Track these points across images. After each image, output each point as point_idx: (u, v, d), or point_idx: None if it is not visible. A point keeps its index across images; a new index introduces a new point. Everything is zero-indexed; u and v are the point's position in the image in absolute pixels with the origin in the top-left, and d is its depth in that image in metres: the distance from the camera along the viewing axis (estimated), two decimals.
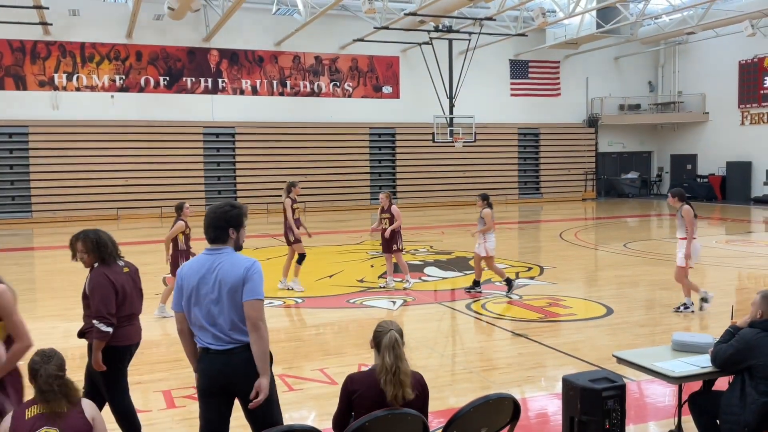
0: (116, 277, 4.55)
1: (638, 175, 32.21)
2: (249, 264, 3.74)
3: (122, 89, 24.21)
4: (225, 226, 3.81)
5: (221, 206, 3.89)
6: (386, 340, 3.52)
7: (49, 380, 3.39)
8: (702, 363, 4.38)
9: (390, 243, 10.69)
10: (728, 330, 4.40)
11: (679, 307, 9.00)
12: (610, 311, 8.95)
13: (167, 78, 24.72)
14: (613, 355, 4.76)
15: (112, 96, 24.09)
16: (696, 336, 4.86)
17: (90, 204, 23.53)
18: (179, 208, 9.12)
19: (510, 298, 9.82)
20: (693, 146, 30.87)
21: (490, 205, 10.09)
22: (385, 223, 10.73)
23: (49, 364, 3.46)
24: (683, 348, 4.69)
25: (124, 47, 24.11)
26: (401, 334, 3.60)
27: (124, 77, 24.20)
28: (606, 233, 19.21)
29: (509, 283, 10.08)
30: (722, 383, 4.50)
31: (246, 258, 3.80)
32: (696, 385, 4.63)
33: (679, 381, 4.37)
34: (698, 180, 29.81)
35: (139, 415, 5.53)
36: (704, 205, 26.06)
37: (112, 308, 4.45)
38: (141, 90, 24.44)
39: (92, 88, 23.87)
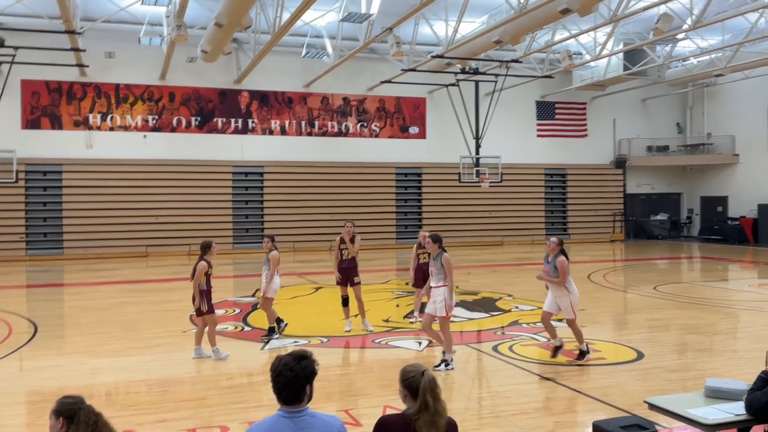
0: None
1: (667, 217, 31.82)
2: (339, 424, 3.44)
3: (155, 129, 24.75)
4: (304, 384, 3.32)
5: (296, 362, 3.33)
6: (425, 381, 3.52)
7: (90, 416, 3.30)
8: (736, 410, 4.26)
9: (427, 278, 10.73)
10: (761, 376, 4.29)
11: (439, 365, 8.13)
12: (640, 355, 8.77)
13: (199, 118, 25.23)
14: (645, 401, 4.66)
15: (145, 136, 24.62)
16: (730, 382, 4.73)
17: (120, 241, 23.88)
18: (206, 247, 8.91)
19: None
20: (723, 188, 30.50)
21: (564, 253, 8.72)
22: (424, 258, 10.86)
23: (85, 404, 3.41)
24: (717, 394, 4.58)
25: (157, 88, 24.72)
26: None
27: (157, 117, 24.75)
28: (635, 275, 18.94)
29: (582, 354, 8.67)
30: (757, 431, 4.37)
31: (329, 417, 3.47)
32: None
33: (713, 429, 4.24)
34: (729, 222, 29.35)
35: None
36: (735, 248, 25.62)
37: None
38: (173, 130, 24.96)
39: (125, 128, 24.44)
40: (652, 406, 4.57)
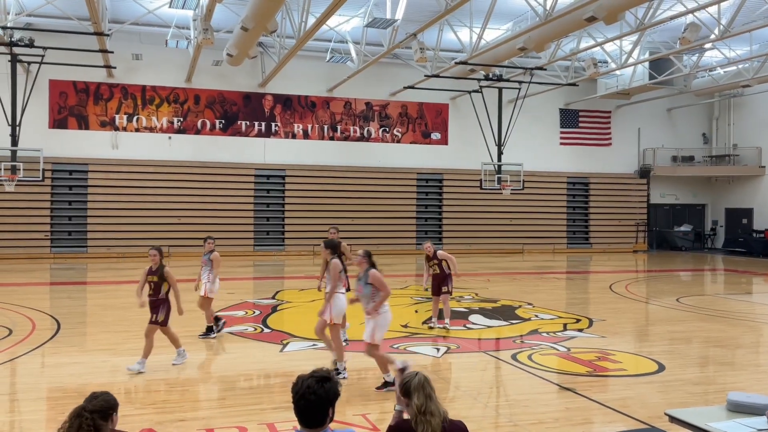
0: None
1: (691, 228, 31.44)
2: None
3: (179, 131, 25.00)
4: (327, 407, 3.23)
5: (319, 384, 3.23)
6: (416, 381, 3.57)
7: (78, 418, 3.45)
8: (759, 425, 4.20)
9: (441, 286, 11.17)
10: None
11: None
12: (662, 368, 8.67)
13: (223, 121, 25.44)
14: (666, 414, 4.60)
15: (170, 137, 24.88)
16: (753, 396, 4.66)
17: (143, 241, 24.04)
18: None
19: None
20: (749, 200, 30.09)
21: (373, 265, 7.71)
22: (435, 269, 11.17)
23: (96, 400, 3.57)
24: (739, 408, 4.51)
25: (183, 91, 24.98)
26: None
27: (182, 119, 25.01)
28: (658, 287, 18.73)
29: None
30: None
31: None
32: None
33: None
34: (754, 235, 28.93)
35: None
36: (760, 261, 25.25)
37: None
38: (197, 132, 25.19)
39: (151, 129, 24.72)
40: (673, 419, 4.51)
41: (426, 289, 12.83)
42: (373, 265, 7.60)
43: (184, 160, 24.83)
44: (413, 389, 3.55)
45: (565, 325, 11.68)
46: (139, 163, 24.34)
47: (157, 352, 9.30)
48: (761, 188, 29.43)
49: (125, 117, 24.47)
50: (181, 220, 24.60)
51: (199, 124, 25.22)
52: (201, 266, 10.56)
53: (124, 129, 24.48)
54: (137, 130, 24.61)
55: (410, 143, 27.64)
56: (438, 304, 11.32)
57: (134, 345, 9.75)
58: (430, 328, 11.18)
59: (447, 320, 11.19)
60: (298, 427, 3.29)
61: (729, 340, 10.74)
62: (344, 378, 7.90)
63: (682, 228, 31.44)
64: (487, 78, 23.75)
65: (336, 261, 8.24)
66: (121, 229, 24.07)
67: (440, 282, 11.16)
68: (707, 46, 22.13)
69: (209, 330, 10.30)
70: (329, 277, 8.24)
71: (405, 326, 11.39)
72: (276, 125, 26.05)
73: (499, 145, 24.63)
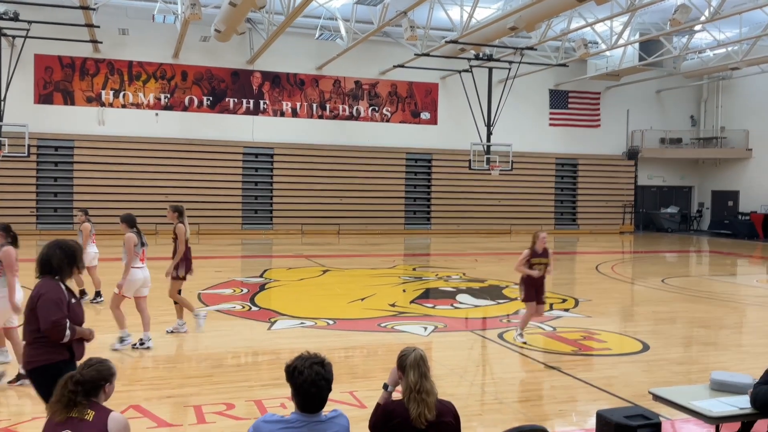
0: None
1: (678, 210, 31.66)
2: (346, 423, 3.37)
3: (166, 107, 24.77)
4: (329, 387, 3.29)
5: (326, 369, 3.27)
6: (411, 359, 3.57)
7: (75, 385, 3.30)
8: (741, 404, 4.26)
9: (542, 291, 8.99)
10: None
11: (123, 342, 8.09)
12: (646, 347, 8.76)
13: (211, 98, 25.22)
14: (649, 392, 4.66)
15: (157, 114, 24.65)
16: (735, 376, 4.73)
17: None
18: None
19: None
20: (735, 183, 30.29)
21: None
22: (541, 269, 8.86)
23: (87, 369, 3.40)
24: (722, 387, 4.57)
25: (170, 67, 24.71)
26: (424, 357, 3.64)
27: (169, 96, 24.76)
28: (644, 268, 18.89)
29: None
30: (761, 426, 4.37)
31: (336, 416, 3.36)
32: (734, 426, 4.50)
33: (717, 421, 4.25)
34: (740, 217, 29.17)
35: (171, 429, 5.58)
36: (745, 243, 25.50)
37: None
38: (185, 109, 24.97)
39: (138, 106, 24.47)
40: (657, 397, 4.57)
41: (414, 269, 12.81)
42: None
43: (171, 137, 24.62)
44: (408, 366, 3.55)
45: (551, 304, 11.75)
46: (125, 139, 24.12)
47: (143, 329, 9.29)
48: (747, 171, 29.63)
49: (111, 93, 24.20)
50: (168, 197, 24.43)
51: (186, 100, 24.99)
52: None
53: (111, 105, 24.22)
54: (124, 106, 24.35)
55: (399, 123, 27.55)
56: (534, 313, 8.96)
57: None
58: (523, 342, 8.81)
59: (521, 330, 8.96)
60: (287, 405, 3.31)
61: (713, 321, 10.87)
62: (127, 345, 8.11)
63: (669, 210, 31.66)
64: (477, 57, 23.65)
65: (131, 235, 8.32)
66: (107, 206, 23.87)
67: (541, 286, 8.94)
68: (697, 27, 22.13)
69: (97, 294, 11.12)
70: (125, 250, 8.36)
71: (393, 305, 11.43)
72: (264, 103, 25.87)
73: (489, 126, 24.60)
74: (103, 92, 24.10)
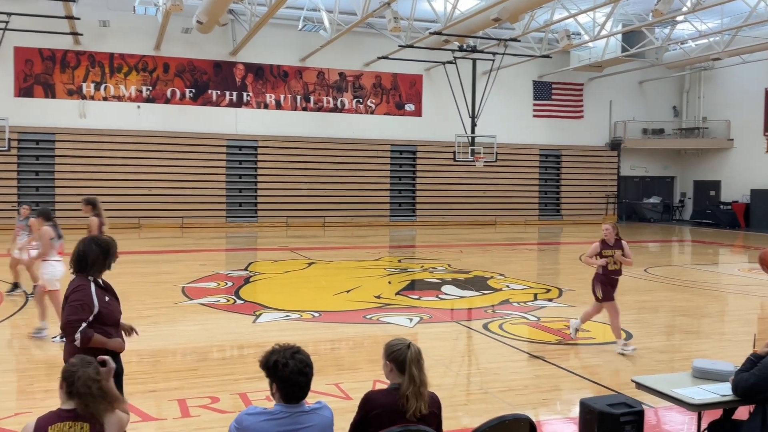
0: None
1: (660, 200, 31.91)
2: (330, 414, 3.36)
3: (149, 100, 24.55)
4: (313, 372, 3.32)
5: (309, 358, 3.30)
6: (411, 354, 3.55)
7: (88, 383, 3.13)
8: (722, 391, 4.30)
9: (614, 287, 8.28)
10: (749, 358, 4.32)
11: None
12: (629, 336, 8.83)
13: (193, 90, 25.03)
14: (632, 380, 4.70)
15: (139, 106, 24.43)
16: (717, 363, 4.78)
17: (112, 212, 23.69)
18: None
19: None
20: (717, 173, 30.57)
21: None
22: (613, 264, 8.27)
23: (88, 368, 3.23)
24: (704, 375, 4.62)
25: (152, 59, 24.48)
26: None
27: (150, 88, 24.54)
28: None
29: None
30: (742, 412, 4.42)
31: (321, 407, 3.36)
32: (716, 414, 4.55)
33: (699, 408, 4.29)
34: (722, 207, 29.46)
35: (154, 424, 5.56)
36: (727, 233, 25.76)
37: None
38: (167, 101, 24.76)
39: (119, 98, 24.24)
40: (639, 385, 4.60)
41: (399, 261, 12.69)
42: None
43: (154, 130, 24.43)
44: (409, 362, 3.54)
45: (535, 295, 11.83)
46: (107, 132, 23.90)
47: (130, 323, 9.24)
48: (729, 161, 29.91)
49: (93, 85, 23.94)
50: (150, 191, 24.29)
51: (168, 93, 24.78)
52: (18, 231, 11.21)
53: (92, 98, 23.96)
54: (105, 98, 24.11)
55: (384, 114, 27.50)
56: (597, 312, 8.40)
57: None
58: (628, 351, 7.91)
59: (622, 341, 8.02)
60: (273, 399, 3.29)
61: (695, 310, 10.98)
62: (43, 336, 8.13)
63: (651, 200, 31.90)
64: (461, 49, 23.65)
65: (47, 228, 8.32)
66: None
67: (615, 283, 8.30)
68: (679, 18, 22.25)
69: (15, 286, 11.05)
70: (39, 243, 8.45)
71: (378, 297, 11.44)
72: (248, 95, 25.71)
73: (473, 117, 24.64)
74: (84, 85, 23.84)
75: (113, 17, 23.48)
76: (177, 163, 24.61)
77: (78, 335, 4.22)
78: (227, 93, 25.44)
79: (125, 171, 23.98)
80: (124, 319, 8.81)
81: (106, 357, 3.60)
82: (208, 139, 25.06)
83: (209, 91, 25.23)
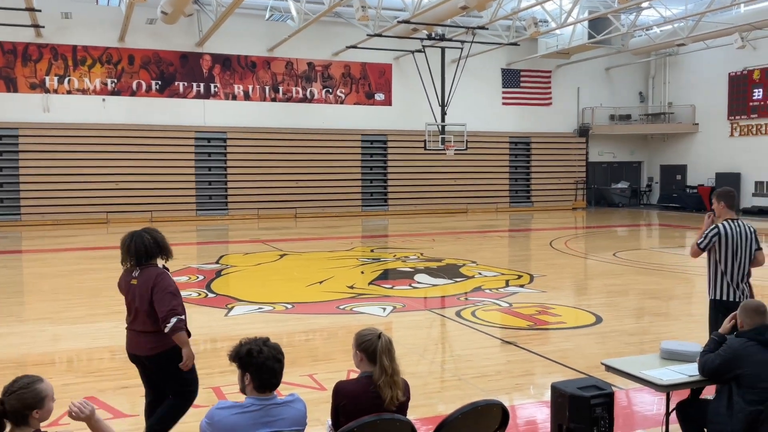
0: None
1: (628, 185, 32.37)
2: (303, 407, 3.36)
3: (114, 93, 24.14)
4: (284, 360, 3.35)
5: (268, 342, 3.34)
6: (382, 344, 3.57)
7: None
8: (690, 371, 4.39)
9: None
10: (713, 338, 4.42)
11: None
12: (599, 320, 8.97)
13: (159, 82, 24.67)
14: (602, 363, 4.78)
15: (104, 99, 24.01)
16: (684, 344, 4.87)
17: (79, 207, 23.43)
18: None
19: None
20: (683, 157, 31.07)
21: None
22: None
23: (9, 396, 3.00)
24: (671, 356, 4.71)
25: (116, 51, 24.06)
26: None
27: (115, 81, 24.13)
28: (596, 242, 19.29)
29: None
30: (710, 391, 4.52)
31: (293, 400, 3.35)
32: (684, 394, 4.65)
33: (667, 389, 4.37)
34: (687, 190, 29.98)
35: (127, 420, 5.51)
36: (693, 216, 26.23)
37: None
38: (133, 94, 24.38)
39: (84, 92, 23.80)
40: (609, 368, 4.68)
41: (372, 251, 12.60)
42: None
43: (120, 123, 24.04)
44: (380, 351, 3.55)
45: (507, 281, 11.94)
46: (72, 126, 23.46)
47: (100, 320, 9.14)
48: (694, 145, 30.41)
49: (56, 79, 23.46)
50: (118, 185, 23.95)
51: (134, 85, 24.39)
52: None
53: (55, 91, 23.48)
54: (69, 92, 23.65)
55: (354, 104, 27.41)
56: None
57: (73, 313, 9.56)
58: None
59: None
60: (244, 393, 3.27)
61: (663, 292, 11.19)
62: None
63: (620, 185, 32.33)
64: (429, 38, 23.62)
65: None
66: (55, 195, 23.28)
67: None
68: (644, 5, 22.49)
69: None
70: None
71: (351, 287, 11.45)
72: (215, 86, 25.42)
73: (443, 106, 24.67)
74: (47, 78, 23.35)
75: (75, 9, 23.01)
76: (144, 156, 24.27)
77: (174, 320, 4.36)
78: (194, 84, 25.12)
79: (91, 165, 23.59)
80: (95, 317, 8.73)
81: None
82: (176, 131, 24.75)
83: (176, 83, 24.89)
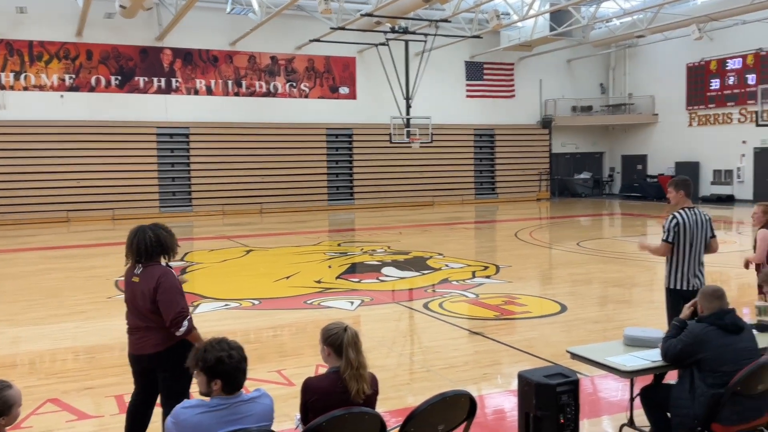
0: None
1: (590, 176, 32.84)
2: (270, 403, 3.33)
3: (72, 89, 23.63)
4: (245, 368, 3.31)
5: (231, 343, 3.29)
6: (348, 337, 3.56)
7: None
8: (652, 357, 4.47)
9: None
10: (674, 324, 4.51)
11: None
12: (564, 308, 9.10)
13: (119, 77, 24.22)
14: (567, 351, 4.84)
15: (62, 96, 23.49)
16: (647, 331, 4.96)
17: (39, 206, 22.91)
18: None
19: None
20: (643, 147, 31.62)
21: None
22: None
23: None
24: (634, 343, 4.79)
25: (74, 46, 23.54)
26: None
27: (74, 76, 23.62)
28: (560, 232, 19.53)
29: None
30: (672, 376, 4.61)
31: (259, 395, 3.32)
32: (647, 379, 4.73)
33: (631, 375, 4.45)
34: (648, 180, 30.53)
35: (92, 421, 5.42)
36: (654, 205, 26.72)
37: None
38: (92, 89, 23.89)
39: (41, 88, 23.25)
40: (574, 356, 4.75)
41: (339, 245, 12.56)
42: None
43: (79, 120, 23.55)
44: (346, 344, 3.54)
45: (473, 272, 12.03)
46: (29, 123, 22.90)
47: (63, 320, 8.98)
48: (654, 135, 30.96)
49: (12, 75, 22.87)
50: (79, 183, 23.48)
51: (93, 80, 23.90)
52: None
53: (12, 88, 22.89)
54: (26, 88, 23.07)
55: (318, 98, 27.27)
56: None
57: (35, 314, 9.36)
58: None
59: None
60: (213, 395, 3.22)
61: (626, 280, 11.38)
62: None
63: (582, 175, 32.79)
64: (393, 31, 23.60)
65: None
66: (13, 194, 22.73)
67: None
68: None
69: None
70: None
71: (318, 282, 11.41)
72: (177, 81, 25.05)
73: (407, 99, 24.69)
74: (3, 75, 22.74)
75: (30, 3, 22.42)
76: (105, 153, 23.83)
77: (186, 323, 4.28)
78: (155, 79, 24.71)
79: (51, 163, 23.08)
80: (57, 317, 8.58)
81: None
82: (137, 127, 24.34)
83: (136, 78, 24.47)
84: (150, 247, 4.35)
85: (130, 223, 15.60)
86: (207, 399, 3.22)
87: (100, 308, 9.62)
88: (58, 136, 23.17)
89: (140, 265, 4.40)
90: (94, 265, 13.91)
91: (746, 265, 7.12)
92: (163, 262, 4.51)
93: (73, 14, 22.19)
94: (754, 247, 7.05)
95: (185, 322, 4.26)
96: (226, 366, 3.16)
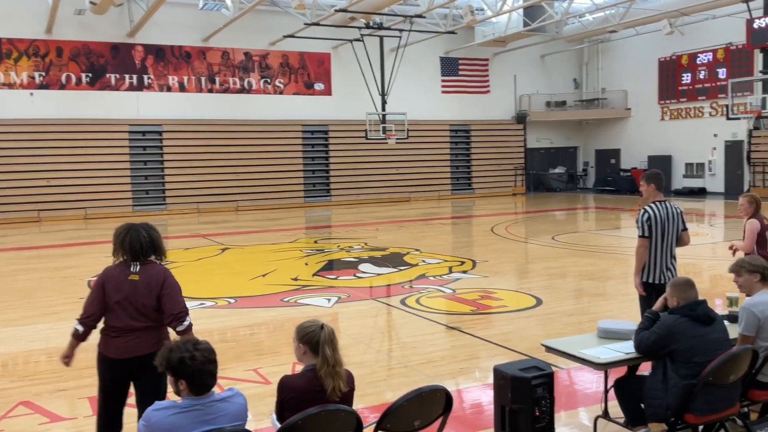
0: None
1: (565, 170, 33.13)
2: (244, 401, 3.30)
3: (42, 86, 23.25)
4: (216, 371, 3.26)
5: (198, 344, 3.25)
6: (324, 334, 3.55)
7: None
8: (626, 349, 4.53)
9: None
10: (647, 316, 4.56)
11: None
12: (539, 302, 9.17)
13: (90, 75, 23.88)
14: (542, 344, 4.88)
15: (32, 94, 23.10)
16: (620, 323, 5.01)
17: (9, 206, 22.52)
18: None
19: None
20: (616, 141, 31.96)
21: None
22: None
23: None
24: (608, 335, 4.84)
25: (43, 43, 23.16)
26: None
27: (44, 74, 23.24)
28: (535, 227, 19.67)
29: None
30: (646, 367, 4.67)
31: (232, 394, 3.30)
32: (621, 371, 4.79)
33: (605, 367, 4.50)
34: (621, 174, 30.88)
35: (65, 423, 5.35)
36: (627, 198, 27.02)
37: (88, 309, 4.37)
38: (62, 87, 23.53)
39: (10, 86, 22.84)
40: (549, 349, 4.78)
41: (315, 242, 12.50)
42: None
43: (50, 118, 23.18)
44: (323, 342, 3.52)
45: (450, 268, 12.07)
46: None
47: (36, 321, 8.86)
48: (627, 129, 31.31)
49: None
50: (49, 182, 23.13)
51: (63, 78, 23.54)
52: None
53: None
54: None
55: (293, 94, 27.14)
56: None
57: (6, 316, 9.22)
58: None
59: None
60: (183, 396, 3.19)
61: (600, 273, 11.50)
62: None
63: (557, 170, 33.05)
64: (368, 26, 23.57)
65: None
66: None
67: None
68: None
69: None
70: None
71: (295, 279, 11.38)
72: (149, 78, 24.76)
73: (383, 95, 24.68)
74: None
75: None
76: (77, 151, 23.48)
77: (189, 319, 4.25)
78: (127, 76, 24.41)
79: (21, 162, 22.69)
80: (30, 319, 8.45)
81: None
82: (109, 125, 24.03)
83: (107, 75, 24.14)
84: (145, 247, 4.30)
85: (103, 223, 15.44)
86: (179, 400, 3.19)
87: (74, 309, 9.45)
88: (28, 134, 22.79)
89: (137, 263, 4.32)
90: (67, 265, 13.72)
91: (733, 252, 7.18)
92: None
93: (42, 11, 21.82)
94: (743, 238, 7.14)
95: (188, 318, 4.25)
96: (188, 367, 3.12)
